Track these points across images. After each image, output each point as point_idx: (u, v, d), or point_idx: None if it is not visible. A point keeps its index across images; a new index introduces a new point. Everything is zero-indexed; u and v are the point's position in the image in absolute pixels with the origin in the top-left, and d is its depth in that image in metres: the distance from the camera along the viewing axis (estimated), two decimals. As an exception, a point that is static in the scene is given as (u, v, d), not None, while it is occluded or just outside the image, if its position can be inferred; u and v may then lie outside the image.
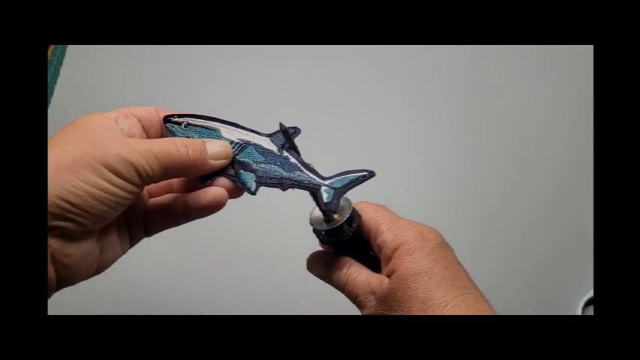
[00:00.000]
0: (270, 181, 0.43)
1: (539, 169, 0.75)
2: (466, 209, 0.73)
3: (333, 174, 0.43)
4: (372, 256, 0.44)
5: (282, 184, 0.43)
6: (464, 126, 0.78)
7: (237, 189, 0.43)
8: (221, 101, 0.79)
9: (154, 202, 0.44)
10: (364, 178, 0.43)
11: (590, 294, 0.66)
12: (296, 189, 0.43)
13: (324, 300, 0.68)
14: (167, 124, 0.43)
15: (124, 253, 0.43)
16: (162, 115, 0.43)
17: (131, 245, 0.44)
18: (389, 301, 0.40)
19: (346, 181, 0.43)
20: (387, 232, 0.42)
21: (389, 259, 0.42)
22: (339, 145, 0.77)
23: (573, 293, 0.67)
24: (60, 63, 0.84)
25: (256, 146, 0.44)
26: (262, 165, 0.43)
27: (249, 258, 0.71)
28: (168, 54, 0.83)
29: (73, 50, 0.85)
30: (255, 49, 0.82)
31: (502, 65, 0.82)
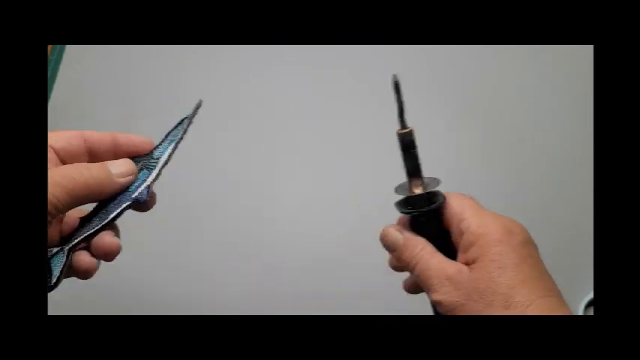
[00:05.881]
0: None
1: (538, 170, 0.75)
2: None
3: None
4: (447, 247, 0.43)
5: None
6: (464, 126, 0.78)
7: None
8: (220, 100, 0.79)
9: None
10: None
11: (591, 295, 0.66)
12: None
13: (323, 300, 0.68)
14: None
15: None
16: (89, 140, 0.43)
17: None
18: (469, 291, 0.39)
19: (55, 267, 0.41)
20: (471, 218, 0.41)
21: (470, 245, 0.40)
22: (338, 145, 0.77)
23: (574, 295, 0.67)
24: (58, 62, 0.84)
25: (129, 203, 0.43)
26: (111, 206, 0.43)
27: (248, 257, 0.71)
28: (166, 54, 0.83)
29: (71, 50, 0.85)
30: (256, 49, 0.82)
31: (502, 65, 0.82)
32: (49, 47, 0.84)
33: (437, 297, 0.40)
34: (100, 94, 0.81)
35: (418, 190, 0.43)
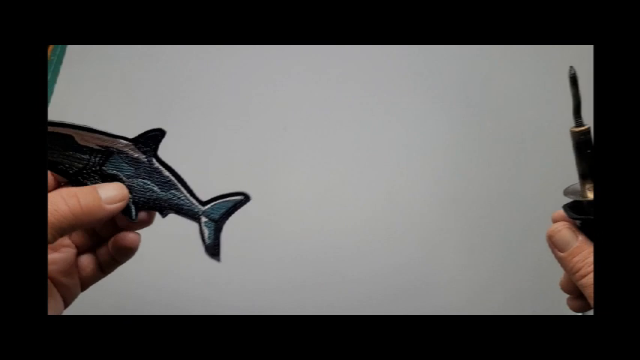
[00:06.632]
0: (148, 204, 0.38)
1: (539, 169, 0.75)
2: (466, 209, 0.73)
3: (211, 197, 0.40)
4: None
5: (161, 207, 0.39)
6: (465, 126, 0.78)
7: (143, 220, 0.40)
8: (222, 100, 0.79)
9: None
10: (241, 204, 0.40)
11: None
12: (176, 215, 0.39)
13: (324, 300, 0.68)
14: None
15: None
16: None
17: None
18: None
19: (223, 210, 0.40)
20: None
21: None
22: (338, 145, 0.77)
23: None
24: (60, 63, 0.84)
25: (121, 154, 0.38)
26: (134, 180, 0.38)
27: (249, 257, 0.71)
28: (167, 54, 0.83)
29: (72, 50, 0.85)
30: (256, 50, 0.82)
31: (502, 65, 0.82)
32: (50, 47, 0.84)
33: None
34: (100, 94, 0.81)
35: (592, 195, 0.38)
